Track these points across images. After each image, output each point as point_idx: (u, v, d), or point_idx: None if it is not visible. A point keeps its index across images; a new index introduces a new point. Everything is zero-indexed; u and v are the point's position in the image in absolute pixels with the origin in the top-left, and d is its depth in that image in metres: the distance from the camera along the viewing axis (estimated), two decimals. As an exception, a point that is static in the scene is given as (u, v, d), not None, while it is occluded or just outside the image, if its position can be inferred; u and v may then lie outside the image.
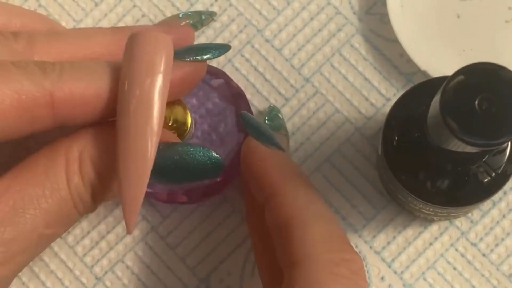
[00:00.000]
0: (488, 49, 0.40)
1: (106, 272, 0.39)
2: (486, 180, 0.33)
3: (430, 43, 0.40)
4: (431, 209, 0.35)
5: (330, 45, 0.41)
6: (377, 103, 0.40)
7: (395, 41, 0.40)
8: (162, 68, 0.30)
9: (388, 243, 0.39)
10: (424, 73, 0.39)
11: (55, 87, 0.30)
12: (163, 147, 0.32)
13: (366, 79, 0.40)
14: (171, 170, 0.32)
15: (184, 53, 0.32)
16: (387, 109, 0.40)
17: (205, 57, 0.33)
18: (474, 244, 0.39)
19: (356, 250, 0.38)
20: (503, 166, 0.33)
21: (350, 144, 0.40)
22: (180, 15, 0.40)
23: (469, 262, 0.38)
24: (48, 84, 0.30)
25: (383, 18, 0.41)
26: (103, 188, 0.32)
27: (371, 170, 0.40)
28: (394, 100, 0.38)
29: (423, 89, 0.34)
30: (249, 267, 0.39)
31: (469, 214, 0.39)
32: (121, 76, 0.30)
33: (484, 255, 0.38)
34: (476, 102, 0.27)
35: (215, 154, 0.32)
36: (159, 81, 0.30)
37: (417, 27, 0.40)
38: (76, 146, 0.31)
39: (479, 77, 0.27)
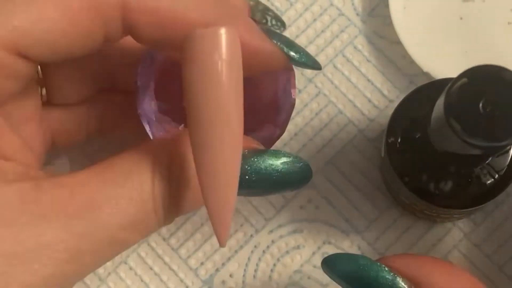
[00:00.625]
0: (491, 51, 0.40)
1: (109, 273, 0.39)
2: (489, 182, 0.33)
3: (433, 44, 0.40)
4: (434, 211, 0.35)
5: (333, 46, 0.41)
6: (380, 104, 0.40)
7: (398, 43, 0.40)
8: (228, 76, 0.26)
9: (391, 244, 0.39)
10: (427, 74, 0.39)
11: None
12: (249, 154, 0.30)
13: (369, 80, 0.40)
14: (256, 181, 0.30)
15: (276, 36, 0.30)
16: (389, 110, 0.40)
17: (292, 53, 0.31)
18: (477, 246, 0.39)
19: (359, 251, 0.38)
20: (506, 168, 0.33)
21: (352, 146, 0.40)
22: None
23: (472, 264, 0.38)
24: None
25: (386, 20, 0.41)
26: (192, 196, 0.30)
27: (374, 171, 0.40)
28: (397, 102, 0.38)
29: (426, 91, 0.34)
30: (251, 268, 0.39)
31: (472, 216, 0.39)
32: (184, 83, 0.27)
33: (487, 256, 0.38)
34: (480, 104, 0.27)
35: (304, 161, 0.30)
36: (229, 90, 0.26)
37: (419, 29, 0.40)
38: (167, 150, 0.29)
39: (483, 79, 0.27)
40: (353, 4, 0.41)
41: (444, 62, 0.39)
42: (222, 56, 0.26)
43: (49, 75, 0.34)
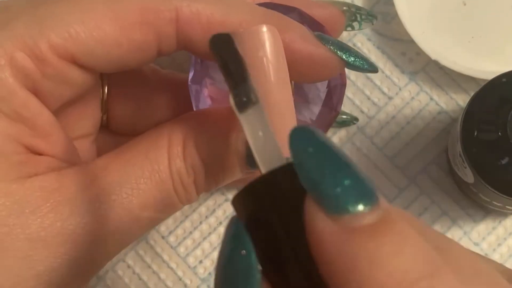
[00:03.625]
0: (497, 35, 0.39)
1: (107, 271, 0.39)
2: None
3: (439, 32, 0.40)
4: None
5: (332, 44, 0.41)
6: (379, 102, 0.40)
7: (397, 40, 0.40)
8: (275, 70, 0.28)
9: (390, 242, 0.39)
10: (436, 62, 0.39)
11: (183, 3, 0.29)
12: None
13: (368, 78, 0.40)
14: None
15: (329, 40, 0.31)
16: (389, 108, 0.40)
17: (347, 57, 0.31)
18: (476, 244, 0.39)
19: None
20: None
21: (351, 144, 0.40)
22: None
23: None
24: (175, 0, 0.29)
25: (385, 18, 0.41)
26: (207, 175, 0.30)
27: (372, 169, 0.39)
28: (396, 99, 0.38)
29: (502, 84, 0.33)
30: (251, 266, 0.39)
31: (472, 213, 0.39)
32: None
33: (486, 255, 0.38)
34: None
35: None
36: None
37: (424, 17, 0.40)
38: (180, 129, 0.30)
39: None
40: (352, 2, 0.41)
41: (451, 49, 0.39)
42: (267, 53, 0.27)
43: (112, 104, 0.35)
